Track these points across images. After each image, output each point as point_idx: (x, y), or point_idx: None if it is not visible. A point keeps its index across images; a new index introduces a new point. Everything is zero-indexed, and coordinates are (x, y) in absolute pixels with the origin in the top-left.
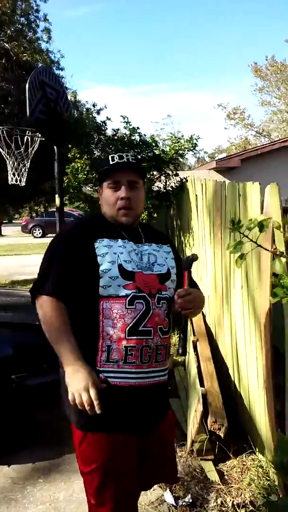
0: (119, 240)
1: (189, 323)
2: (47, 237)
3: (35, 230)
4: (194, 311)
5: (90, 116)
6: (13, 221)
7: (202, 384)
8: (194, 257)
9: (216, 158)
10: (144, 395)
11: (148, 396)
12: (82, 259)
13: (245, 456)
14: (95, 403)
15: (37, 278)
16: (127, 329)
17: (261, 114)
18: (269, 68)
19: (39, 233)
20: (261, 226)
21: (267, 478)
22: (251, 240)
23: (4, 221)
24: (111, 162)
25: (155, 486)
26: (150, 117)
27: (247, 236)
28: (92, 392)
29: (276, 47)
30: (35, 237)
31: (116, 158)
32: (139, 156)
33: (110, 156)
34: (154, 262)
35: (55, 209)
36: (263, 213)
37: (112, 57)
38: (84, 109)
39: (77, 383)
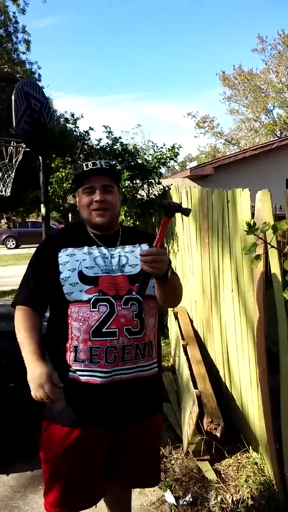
0: (85, 247)
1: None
2: (20, 248)
3: (9, 241)
4: (156, 272)
5: (72, 126)
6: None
7: (195, 386)
8: (179, 206)
9: (188, 167)
10: (112, 392)
11: (117, 392)
12: (48, 270)
13: (240, 455)
14: (52, 397)
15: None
16: (91, 330)
17: (230, 122)
18: (237, 77)
19: (13, 244)
20: (275, 228)
21: (263, 474)
22: (265, 242)
23: None
24: (85, 169)
25: (155, 487)
26: (119, 127)
27: (261, 238)
28: (47, 388)
29: (242, 56)
30: (8, 248)
31: (90, 165)
32: (123, 165)
33: (84, 164)
34: (125, 263)
35: (36, 219)
36: (254, 219)
37: (79, 67)
38: (62, 119)
39: (34, 380)
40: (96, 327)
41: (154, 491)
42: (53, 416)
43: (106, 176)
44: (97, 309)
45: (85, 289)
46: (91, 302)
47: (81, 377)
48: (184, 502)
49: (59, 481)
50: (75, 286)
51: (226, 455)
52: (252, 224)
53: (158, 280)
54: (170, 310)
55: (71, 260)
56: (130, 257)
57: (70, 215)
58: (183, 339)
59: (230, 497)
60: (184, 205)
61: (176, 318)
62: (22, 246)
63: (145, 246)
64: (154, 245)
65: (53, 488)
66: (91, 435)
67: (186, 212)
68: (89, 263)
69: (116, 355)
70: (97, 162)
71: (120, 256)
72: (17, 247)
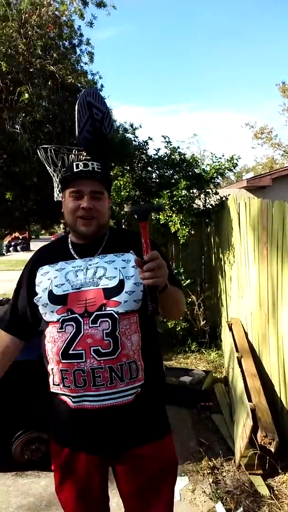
0: (60, 263)
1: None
2: None
3: None
4: (159, 281)
5: (131, 136)
6: (40, 236)
7: (249, 400)
8: (149, 206)
9: (244, 177)
10: (86, 418)
11: (92, 419)
12: (27, 291)
13: None
14: None
15: None
16: (60, 352)
17: None
18: None
19: None
20: None
21: None
22: None
23: (32, 237)
24: (75, 170)
25: (205, 498)
26: (176, 136)
27: None
28: None
29: None
30: None
31: (81, 166)
32: (180, 174)
33: (74, 164)
34: (101, 275)
35: None
36: None
37: (137, 77)
38: (121, 129)
39: None
40: (63, 348)
41: (205, 501)
42: (51, 431)
43: (96, 181)
44: (63, 330)
45: (55, 310)
46: (59, 322)
47: (59, 400)
48: None
49: (61, 494)
50: (46, 307)
51: (280, 471)
52: None
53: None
54: (224, 321)
55: (44, 280)
56: (109, 268)
57: (123, 222)
58: (237, 351)
59: None
60: (242, 217)
61: (230, 329)
62: None
63: (128, 255)
64: (144, 253)
65: (60, 496)
66: (79, 458)
67: (159, 208)
68: (59, 281)
69: (85, 378)
70: (89, 164)
71: (97, 267)
72: None
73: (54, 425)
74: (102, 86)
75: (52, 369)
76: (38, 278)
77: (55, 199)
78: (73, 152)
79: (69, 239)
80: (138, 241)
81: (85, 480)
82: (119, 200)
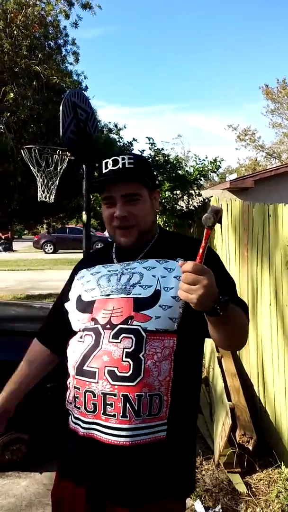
0: (97, 266)
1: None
2: (58, 253)
3: (47, 246)
4: (196, 300)
5: (116, 136)
6: (23, 236)
7: (229, 399)
8: (214, 209)
9: (227, 179)
10: (91, 450)
11: (97, 454)
12: (65, 296)
13: (271, 470)
14: None
15: None
16: (76, 365)
17: (272, 135)
18: (281, 91)
19: (51, 249)
20: None
21: None
22: None
23: (15, 237)
24: (103, 171)
25: None
26: (160, 137)
27: None
28: None
29: (287, 69)
30: (46, 252)
31: (110, 164)
32: (164, 176)
33: (103, 162)
34: (136, 282)
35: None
36: None
37: (122, 77)
38: (106, 129)
39: None
40: (79, 362)
41: None
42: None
43: (130, 182)
44: (82, 340)
45: (81, 318)
46: (80, 331)
47: (70, 421)
48: None
49: None
50: (73, 314)
51: (258, 469)
52: None
53: (207, 315)
54: None
55: (78, 284)
56: (146, 274)
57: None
58: (218, 351)
59: (260, 511)
60: (224, 219)
61: None
62: (60, 251)
63: (173, 263)
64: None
65: None
66: (73, 491)
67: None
68: (90, 285)
69: (95, 403)
70: (119, 159)
71: (133, 273)
72: (54, 252)
73: (60, 449)
74: (86, 86)
75: (69, 383)
76: (75, 282)
77: (39, 199)
78: (57, 153)
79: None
80: (191, 248)
81: None
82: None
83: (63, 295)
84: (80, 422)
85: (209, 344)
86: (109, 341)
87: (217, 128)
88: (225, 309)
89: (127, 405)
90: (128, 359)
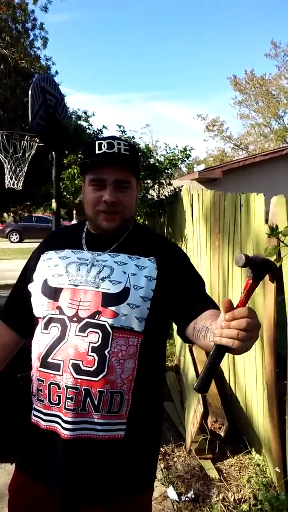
0: (66, 250)
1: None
2: (24, 242)
3: (12, 235)
4: (241, 346)
5: (85, 123)
6: None
7: None
8: (265, 263)
9: (195, 169)
10: (62, 449)
11: (68, 454)
12: (29, 276)
13: (242, 456)
14: None
15: None
16: (40, 357)
17: (240, 127)
18: (249, 82)
19: (16, 238)
20: None
21: (265, 475)
22: (286, 245)
23: None
24: (97, 151)
25: (157, 483)
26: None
27: (282, 241)
28: None
29: (255, 60)
30: (12, 242)
31: (104, 146)
32: None
33: (97, 142)
34: (106, 276)
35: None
36: (269, 223)
37: (90, 65)
38: (74, 116)
39: None
40: (44, 354)
41: (156, 486)
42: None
43: (122, 168)
44: (47, 331)
45: (45, 303)
46: (44, 320)
47: (32, 414)
48: (186, 499)
49: None
50: (36, 297)
51: (229, 455)
52: (275, 228)
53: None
54: None
55: (44, 266)
56: (117, 270)
57: (74, 212)
58: None
59: (232, 495)
60: (195, 208)
61: None
62: (26, 240)
63: (145, 261)
64: (237, 306)
65: None
66: (37, 491)
67: (276, 276)
68: (58, 270)
69: (60, 395)
70: (115, 143)
71: (104, 266)
72: (20, 241)
73: (21, 443)
74: (56, 72)
75: (33, 375)
76: (41, 263)
77: (6, 186)
78: (26, 138)
79: (86, 226)
80: (164, 248)
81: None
82: (73, 189)
83: (27, 274)
84: (41, 415)
85: None
86: (75, 334)
87: (186, 119)
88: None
89: (88, 399)
90: (94, 354)
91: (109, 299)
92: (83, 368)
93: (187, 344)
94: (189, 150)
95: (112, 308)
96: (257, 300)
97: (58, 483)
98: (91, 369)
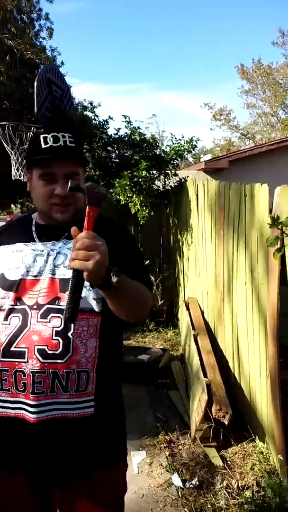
0: (18, 243)
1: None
2: None
3: None
4: (84, 265)
5: (91, 114)
6: None
7: (205, 375)
8: (100, 191)
9: (202, 159)
10: (30, 434)
11: (39, 437)
12: None
13: (246, 444)
14: None
15: None
16: (1, 348)
17: (246, 116)
18: (256, 71)
19: None
20: None
21: (268, 463)
22: None
23: None
24: (43, 146)
25: (162, 470)
26: (134, 116)
27: (284, 232)
28: None
29: (262, 49)
30: None
31: (50, 140)
32: (140, 155)
33: (41, 136)
34: (60, 263)
35: None
36: (273, 213)
37: (95, 55)
38: (80, 107)
39: None
40: (5, 344)
41: (162, 473)
42: None
43: (71, 161)
44: (8, 322)
45: (3, 295)
46: (4, 312)
47: None
48: (191, 485)
49: None
50: None
51: (233, 443)
52: (276, 218)
53: (102, 290)
54: (181, 301)
55: None
56: (70, 255)
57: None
58: (194, 329)
59: (235, 482)
60: (200, 198)
61: (187, 308)
62: None
63: None
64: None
65: None
66: (16, 481)
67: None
68: (14, 263)
69: (25, 382)
70: (60, 137)
71: (58, 253)
72: None
73: None
74: (62, 62)
75: None
76: None
77: (13, 178)
78: (32, 130)
79: (34, 220)
80: (110, 230)
81: (22, 510)
82: None
83: None
84: (9, 404)
85: (185, 322)
86: (37, 321)
87: (192, 109)
88: (116, 279)
89: (56, 381)
90: (58, 337)
91: (66, 284)
92: (48, 352)
93: (192, 334)
94: (195, 140)
95: None
96: (260, 290)
97: (33, 466)
98: (57, 352)
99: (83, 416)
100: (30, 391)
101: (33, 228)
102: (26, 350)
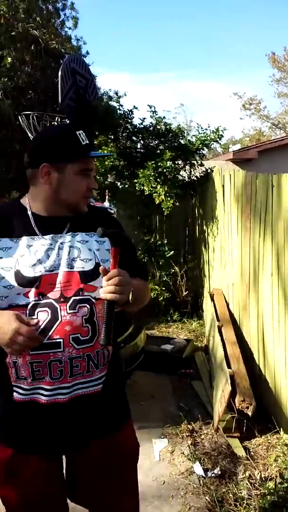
0: (24, 237)
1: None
2: None
3: None
4: (121, 297)
5: (116, 104)
6: None
7: (228, 366)
8: (120, 234)
9: (230, 149)
10: (61, 413)
11: (67, 414)
12: None
13: (270, 435)
14: (33, 341)
15: None
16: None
17: (277, 105)
18: (287, 59)
19: None
20: None
21: None
22: None
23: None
24: (83, 143)
25: (184, 458)
26: (162, 106)
27: None
28: (24, 331)
29: None
30: None
31: (83, 138)
32: (165, 145)
33: (77, 133)
34: (76, 257)
35: None
36: None
37: (122, 43)
38: (106, 97)
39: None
40: None
41: (183, 462)
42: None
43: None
44: (35, 317)
45: (23, 292)
46: (28, 308)
47: (24, 396)
48: (213, 474)
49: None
50: (11, 290)
51: (256, 434)
52: None
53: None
54: (206, 292)
55: (6, 256)
56: (83, 249)
57: (107, 192)
58: (218, 320)
59: (258, 473)
60: (226, 189)
61: (212, 299)
62: None
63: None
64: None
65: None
66: (35, 462)
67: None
68: (29, 260)
69: (62, 369)
70: (83, 134)
71: (70, 247)
72: None
73: (7, 425)
74: (87, 52)
75: (15, 362)
76: None
77: None
78: (56, 120)
79: (28, 210)
80: (107, 222)
81: (39, 488)
82: (102, 170)
83: None
84: (43, 391)
85: (209, 314)
86: (67, 313)
87: (221, 98)
88: (133, 296)
89: (90, 362)
90: (88, 324)
91: (86, 276)
92: (82, 339)
93: (216, 325)
94: (222, 130)
95: (92, 283)
96: (287, 282)
97: (56, 439)
98: (88, 337)
99: (103, 384)
100: (68, 375)
101: (31, 220)
102: (61, 340)
